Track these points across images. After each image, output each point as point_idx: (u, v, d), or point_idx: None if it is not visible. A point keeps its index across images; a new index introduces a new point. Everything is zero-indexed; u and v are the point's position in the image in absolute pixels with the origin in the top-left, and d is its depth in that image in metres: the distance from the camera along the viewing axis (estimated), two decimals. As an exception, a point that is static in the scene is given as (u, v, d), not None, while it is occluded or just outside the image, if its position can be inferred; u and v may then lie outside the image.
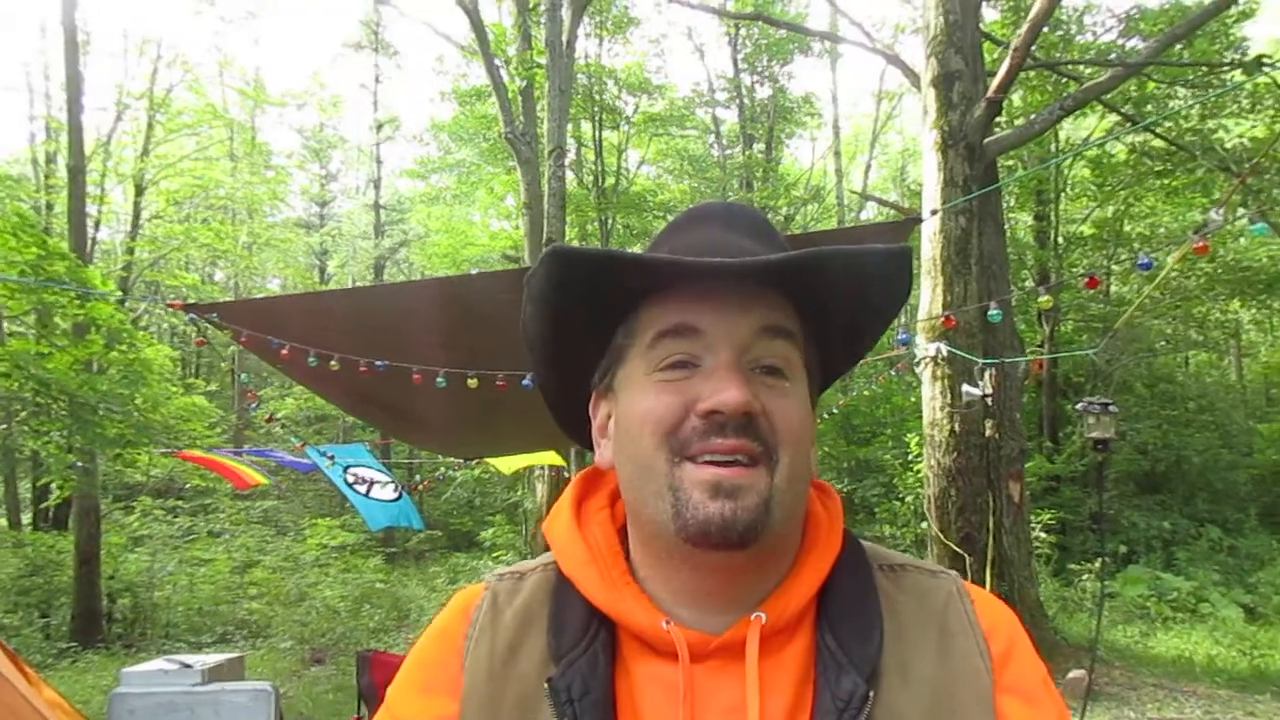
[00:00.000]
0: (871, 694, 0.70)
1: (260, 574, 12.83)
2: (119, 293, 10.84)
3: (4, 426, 11.39)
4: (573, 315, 0.79)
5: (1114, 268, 14.52)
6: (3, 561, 12.03)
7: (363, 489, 7.05)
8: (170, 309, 4.82)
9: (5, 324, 13.06)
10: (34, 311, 10.28)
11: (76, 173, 11.95)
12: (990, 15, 12.15)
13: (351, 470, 7.08)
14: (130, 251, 17.47)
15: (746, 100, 21.60)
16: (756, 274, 0.72)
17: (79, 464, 10.60)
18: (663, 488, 0.72)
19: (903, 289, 0.80)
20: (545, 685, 0.73)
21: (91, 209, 15.37)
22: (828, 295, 0.76)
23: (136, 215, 17.58)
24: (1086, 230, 14.94)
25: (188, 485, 15.98)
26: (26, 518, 15.33)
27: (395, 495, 7.24)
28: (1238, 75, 10.22)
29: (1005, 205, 12.47)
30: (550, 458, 9.11)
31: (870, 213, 23.20)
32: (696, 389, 0.72)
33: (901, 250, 0.75)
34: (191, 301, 4.50)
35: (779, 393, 0.73)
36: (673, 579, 0.76)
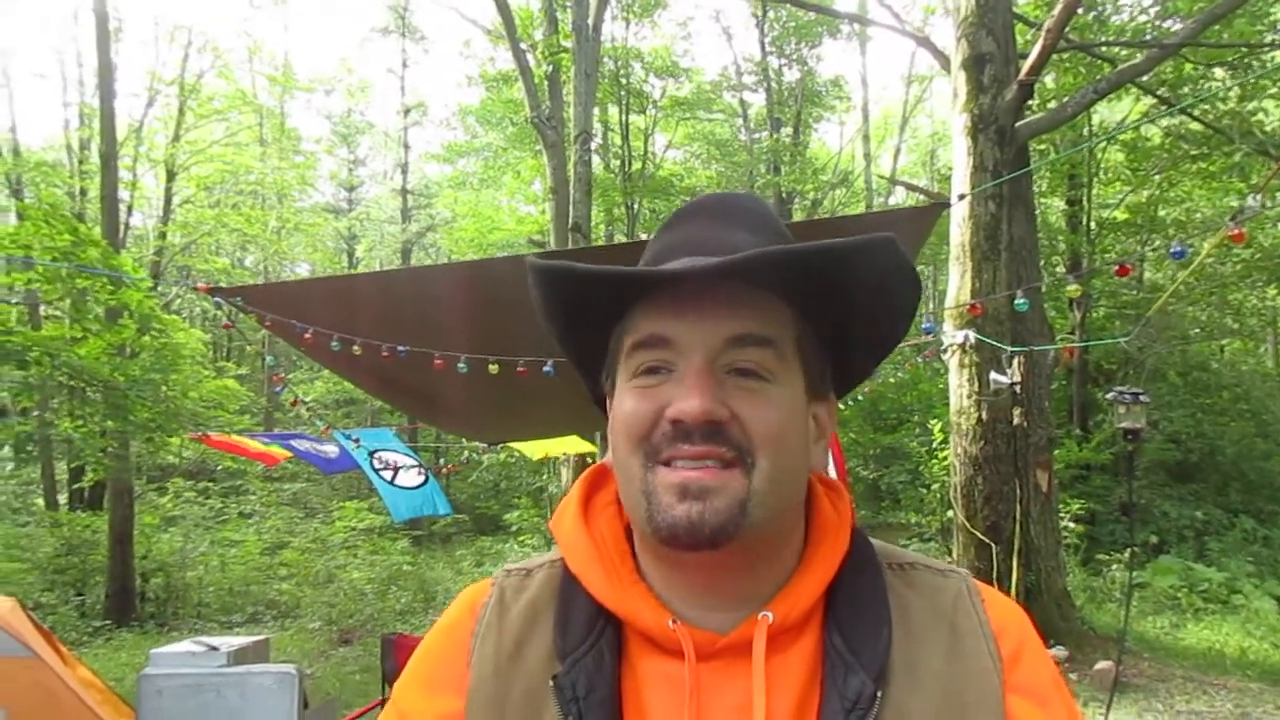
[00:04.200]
0: (879, 694, 0.69)
1: (290, 555, 13.04)
2: (149, 282, 10.98)
3: (38, 413, 11.61)
4: (568, 321, 0.81)
5: (1148, 254, 14.27)
6: (39, 541, 12.30)
7: (388, 475, 7.08)
8: (197, 292, 4.87)
9: (40, 308, 13.29)
10: (68, 297, 10.45)
11: (109, 159, 12.12)
12: (1023, -4, 11.94)
13: (378, 455, 7.11)
14: (162, 236, 17.74)
15: (774, 83, 21.43)
16: (718, 277, 0.71)
17: (111, 449, 10.77)
18: (638, 491, 0.73)
19: (904, 281, 0.76)
20: (551, 683, 0.73)
21: (124, 194, 15.59)
22: (815, 290, 0.74)
23: (168, 200, 17.85)
24: (1120, 215, 14.69)
25: (219, 467, 16.22)
26: (63, 498, 15.62)
27: (421, 480, 7.27)
28: (1278, 56, 9.98)
29: (1037, 190, 12.28)
30: (574, 442, 9.15)
31: (899, 197, 23.02)
32: (667, 394, 0.72)
33: (883, 240, 0.71)
34: (220, 285, 4.54)
35: (754, 394, 0.72)
36: (669, 576, 0.76)
